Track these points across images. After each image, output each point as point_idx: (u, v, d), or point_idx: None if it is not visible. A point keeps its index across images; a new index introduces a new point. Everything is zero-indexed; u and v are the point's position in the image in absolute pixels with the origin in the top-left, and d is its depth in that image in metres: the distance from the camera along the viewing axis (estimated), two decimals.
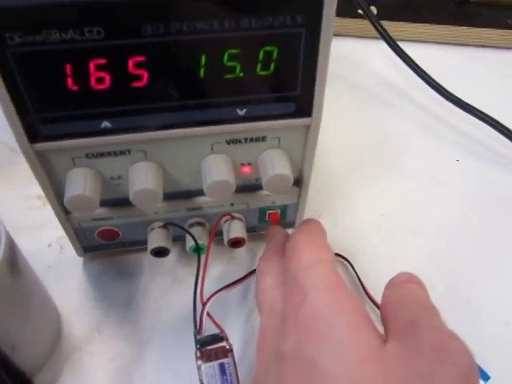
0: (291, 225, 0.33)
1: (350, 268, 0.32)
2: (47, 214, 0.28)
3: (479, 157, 0.40)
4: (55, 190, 0.26)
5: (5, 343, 0.24)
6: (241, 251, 0.33)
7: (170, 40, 0.21)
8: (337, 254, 0.32)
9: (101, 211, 0.29)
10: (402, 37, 0.49)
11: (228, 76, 0.22)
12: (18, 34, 0.19)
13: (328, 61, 0.22)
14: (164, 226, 0.30)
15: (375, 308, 0.30)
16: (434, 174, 0.39)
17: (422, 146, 0.41)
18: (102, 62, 0.21)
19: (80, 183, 0.25)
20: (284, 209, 0.31)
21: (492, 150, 0.41)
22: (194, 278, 0.27)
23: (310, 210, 0.32)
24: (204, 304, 0.26)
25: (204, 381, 0.23)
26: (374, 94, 0.46)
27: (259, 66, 0.22)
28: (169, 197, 0.28)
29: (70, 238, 0.30)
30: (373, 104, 0.45)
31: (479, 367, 0.26)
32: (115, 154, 0.25)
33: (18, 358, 0.25)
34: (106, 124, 0.23)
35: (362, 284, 0.31)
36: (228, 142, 0.26)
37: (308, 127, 0.25)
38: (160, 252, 0.30)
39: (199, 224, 0.30)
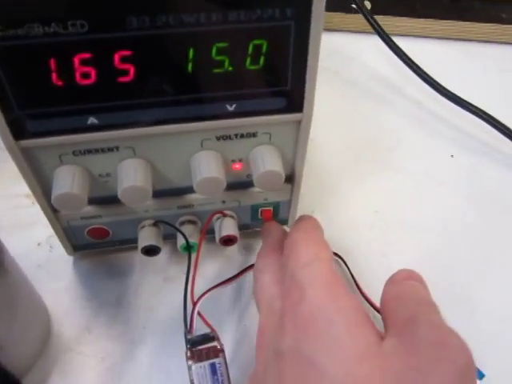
0: (284, 222, 0.32)
1: (344, 265, 0.32)
2: (36, 212, 0.28)
3: (474, 152, 0.40)
4: (42, 188, 0.26)
5: None
6: (233, 249, 0.33)
7: (157, 33, 0.20)
8: None
9: (90, 209, 0.28)
10: (396, 31, 0.49)
11: (217, 70, 0.22)
12: None
13: (318, 54, 0.22)
14: (155, 224, 0.30)
15: (369, 306, 0.29)
16: (428, 170, 0.39)
17: (416, 142, 0.41)
18: (87, 56, 0.20)
19: (67, 181, 0.24)
20: (277, 206, 0.31)
21: (486, 145, 0.40)
22: (185, 277, 0.27)
23: (303, 207, 0.32)
24: (194, 303, 0.25)
25: (195, 381, 0.23)
26: (367, 88, 0.45)
27: (248, 60, 0.22)
28: (159, 194, 0.28)
29: (60, 237, 0.30)
30: (366, 99, 0.44)
31: None
32: (103, 150, 0.25)
33: (6, 358, 0.24)
34: (92, 120, 0.23)
35: (355, 282, 0.31)
36: (218, 138, 0.25)
37: (299, 123, 0.25)
38: (151, 250, 0.29)
39: (190, 222, 0.30)
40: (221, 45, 0.21)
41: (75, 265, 0.32)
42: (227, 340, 0.28)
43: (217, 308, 0.30)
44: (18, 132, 0.23)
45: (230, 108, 0.23)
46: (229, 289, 0.30)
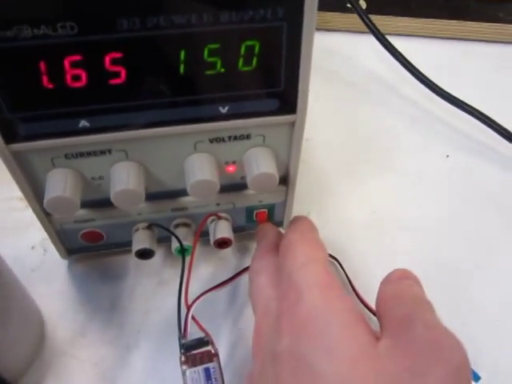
0: (280, 224, 0.32)
1: (339, 267, 0.32)
2: (30, 215, 0.27)
3: (469, 152, 0.40)
4: (35, 192, 0.26)
5: None
6: (228, 251, 0.32)
7: (148, 35, 0.20)
8: None
9: (83, 213, 0.28)
10: (391, 31, 0.49)
11: (209, 72, 0.22)
12: None
13: (311, 55, 0.22)
14: (148, 227, 0.29)
15: (364, 308, 0.29)
16: (424, 170, 0.38)
17: (412, 142, 0.41)
18: (77, 58, 0.20)
19: (59, 184, 0.24)
20: (271, 208, 0.31)
21: (482, 144, 0.40)
22: (179, 280, 0.27)
23: (298, 208, 0.31)
24: (188, 308, 0.25)
25: None
26: (363, 88, 0.45)
27: (241, 62, 0.22)
28: (152, 197, 0.27)
29: (53, 241, 0.29)
30: (362, 99, 0.44)
31: None
32: (95, 153, 0.24)
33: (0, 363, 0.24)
34: (84, 123, 0.23)
35: (350, 283, 0.31)
36: (211, 141, 0.25)
37: (293, 124, 0.25)
38: (145, 254, 0.29)
39: (185, 225, 0.30)
40: (213, 46, 0.21)
41: (69, 268, 0.32)
42: (222, 343, 0.28)
43: (211, 311, 0.30)
44: (9, 136, 0.22)
45: (223, 110, 0.23)
46: (224, 292, 0.30)
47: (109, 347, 0.29)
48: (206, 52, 0.21)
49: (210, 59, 0.21)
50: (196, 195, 0.25)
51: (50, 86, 0.21)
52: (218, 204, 0.29)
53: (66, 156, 0.24)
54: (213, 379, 0.23)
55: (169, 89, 0.22)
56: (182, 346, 0.24)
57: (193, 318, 0.25)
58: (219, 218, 0.30)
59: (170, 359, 0.27)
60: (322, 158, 0.39)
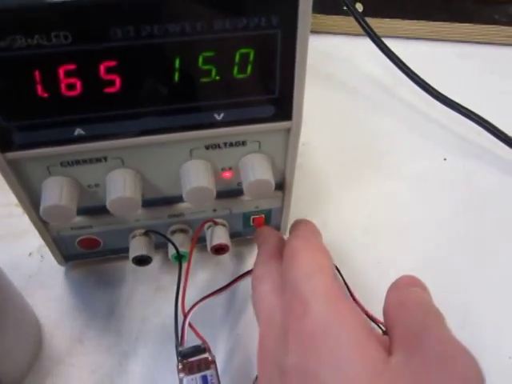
0: (277, 229, 0.32)
1: (337, 273, 0.32)
2: (27, 221, 0.27)
3: (466, 155, 0.40)
4: (31, 200, 0.26)
5: None
6: (225, 257, 0.32)
7: (142, 44, 0.20)
8: None
9: (79, 220, 0.28)
10: (388, 33, 0.49)
11: (204, 80, 0.22)
12: None
13: (306, 62, 0.22)
14: (145, 234, 0.29)
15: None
16: (421, 173, 0.38)
17: (409, 145, 0.41)
18: (72, 67, 0.20)
19: (55, 193, 0.24)
20: (268, 213, 0.31)
21: (479, 147, 0.40)
22: (176, 287, 0.27)
23: (295, 212, 0.31)
24: (185, 315, 0.25)
25: None
26: (360, 91, 0.45)
27: (235, 69, 0.21)
28: (149, 204, 0.27)
29: (50, 248, 0.29)
30: (359, 102, 0.44)
31: None
32: (91, 161, 0.24)
33: None
34: (79, 131, 0.23)
35: (349, 291, 0.30)
36: (207, 147, 0.25)
37: (289, 130, 0.25)
38: (142, 260, 0.29)
39: (182, 231, 0.30)
40: (207, 54, 0.21)
41: (67, 275, 0.32)
42: (220, 350, 0.28)
43: (209, 317, 0.30)
44: (5, 144, 0.22)
45: (219, 117, 0.23)
46: (221, 298, 0.30)
47: (106, 354, 0.29)
48: (200, 60, 0.21)
49: (205, 67, 0.21)
50: (192, 202, 0.25)
51: (45, 95, 0.21)
52: (214, 210, 0.29)
53: (61, 164, 0.24)
54: None
55: (164, 96, 0.22)
56: (179, 353, 0.24)
57: (190, 325, 0.25)
58: (216, 223, 0.30)
59: (167, 366, 0.27)
60: (319, 162, 0.39)
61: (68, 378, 0.28)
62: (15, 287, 0.27)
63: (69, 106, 0.22)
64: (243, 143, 0.25)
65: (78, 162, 0.24)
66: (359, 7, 0.49)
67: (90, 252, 0.31)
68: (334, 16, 0.50)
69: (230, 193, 0.28)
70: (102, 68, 0.20)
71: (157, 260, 0.32)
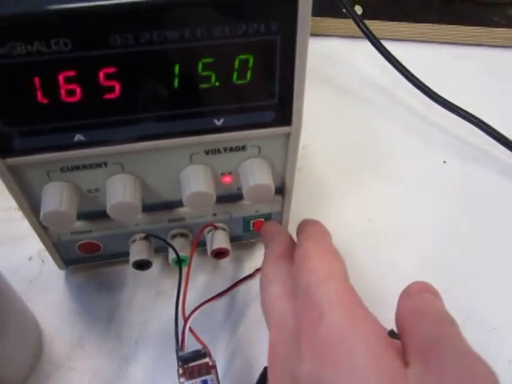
0: None
1: None
2: (27, 226, 0.27)
3: (466, 158, 0.40)
4: (31, 205, 0.26)
5: None
6: (225, 261, 0.32)
7: (141, 50, 0.20)
8: None
9: (80, 224, 0.28)
10: (387, 36, 0.49)
11: (203, 86, 0.22)
12: None
13: (305, 68, 0.22)
14: (146, 238, 0.29)
15: None
16: (420, 176, 0.38)
17: (409, 148, 0.41)
18: (72, 74, 0.20)
19: (55, 198, 0.24)
20: (268, 217, 0.31)
21: (478, 150, 0.40)
22: (176, 291, 0.27)
23: (295, 214, 0.31)
24: (185, 320, 0.25)
25: None
26: (359, 94, 0.45)
27: (235, 75, 0.22)
28: (149, 208, 0.28)
29: (50, 252, 0.30)
30: (358, 105, 0.44)
31: None
32: (91, 166, 0.25)
33: None
34: (79, 137, 0.23)
35: None
36: (207, 153, 0.25)
37: (288, 135, 0.25)
38: (142, 265, 0.29)
39: (182, 235, 0.30)
40: (207, 60, 0.21)
41: (67, 279, 0.32)
42: (220, 354, 0.28)
43: (209, 321, 0.30)
44: (5, 150, 0.22)
45: (218, 123, 0.23)
46: (221, 302, 0.30)
47: (107, 358, 0.29)
48: (200, 66, 0.21)
49: (205, 73, 0.21)
50: (192, 207, 0.25)
51: (45, 101, 0.21)
52: (214, 214, 0.29)
53: (61, 169, 0.24)
54: None
55: (163, 102, 0.22)
56: (179, 358, 0.24)
57: (190, 329, 0.25)
58: (216, 228, 0.30)
59: (167, 371, 0.27)
60: (319, 164, 0.39)
61: (68, 382, 0.28)
62: (16, 292, 0.27)
63: (69, 112, 0.22)
64: (243, 148, 0.25)
65: (78, 168, 0.24)
66: (358, 10, 0.49)
67: (91, 256, 0.31)
68: (332, 18, 0.50)
69: (229, 197, 0.28)
70: (101, 74, 0.21)
71: (157, 264, 0.32)
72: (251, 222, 0.30)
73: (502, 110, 0.42)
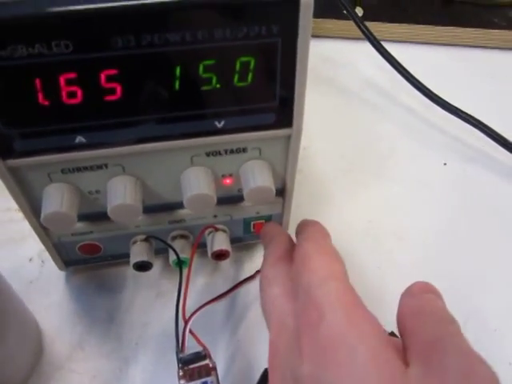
0: None
1: None
2: (27, 227, 0.27)
3: (466, 160, 0.40)
4: (32, 206, 0.26)
5: None
6: (225, 263, 0.32)
7: (142, 52, 0.20)
8: None
9: (80, 226, 0.28)
10: (388, 37, 0.49)
11: (204, 88, 0.22)
12: None
13: (306, 70, 0.22)
14: (146, 239, 0.29)
15: None
16: (421, 178, 0.38)
17: (409, 150, 0.41)
18: (73, 76, 0.20)
19: (56, 200, 0.24)
20: (269, 219, 0.31)
21: (479, 152, 0.40)
22: (177, 293, 0.27)
23: (295, 216, 0.31)
24: (186, 322, 0.25)
25: None
26: (360, 96, 0.45)
27: (236, 78, 0.22)
28: (150, 210, 0.28)
29: (51, 253, 0.30)
30: (359, 106, 0.44)
31: None
32: (92, 168, 0.25)
33: None
34: (80, 139, 0.23)
35: None
36: (208, 155, 0.25)
37: (289, 137, 0.25)
38: (143, 266, 0.29)
39: (182, 236, 0.30)
40: (208, 62, 0.21)
41: (67, 280, 0.32)
42: (220, 356, 0.28)
43: (209, 323, 0.30)
44: (6, 152, 0.22)
45: (219, 125, 0.23)
46: (221, 304, 0.30)
47: (107, 360, 0.29)
48: (201, 68, 0.21)
49: (206, 75, 0.21)
50: (193, 208, 0.25)
51: (46, 103, 0.21)
52: (215, 216, 0.29)
53: (62, 171, 0.24)
54: None
55: (164, 104, 0.22)
56: (179, 360, 0.24)
57: (190, 331, 0.25)
58: (216, 229, 0.30)
59: (167, 373, 0.27)
60: (319, 166, 0.39)
61: (68, 383, 0.28)
62: (16, 293, 0.27)
63: (70, 114, 0.22)
64: (244, 150, 0.25)
65: (78, 169, 0.24)
66: (359, 11, 0.49)
67: (91, 257, 0.31)
68: (333, 20, 0.50)
69: (230, 199, 0.28)
70: (102, 76, 0.21)
71: (157, 266, 0.32)
72: (252, 223, 0.30)
73: (502, 112, 0.42)
